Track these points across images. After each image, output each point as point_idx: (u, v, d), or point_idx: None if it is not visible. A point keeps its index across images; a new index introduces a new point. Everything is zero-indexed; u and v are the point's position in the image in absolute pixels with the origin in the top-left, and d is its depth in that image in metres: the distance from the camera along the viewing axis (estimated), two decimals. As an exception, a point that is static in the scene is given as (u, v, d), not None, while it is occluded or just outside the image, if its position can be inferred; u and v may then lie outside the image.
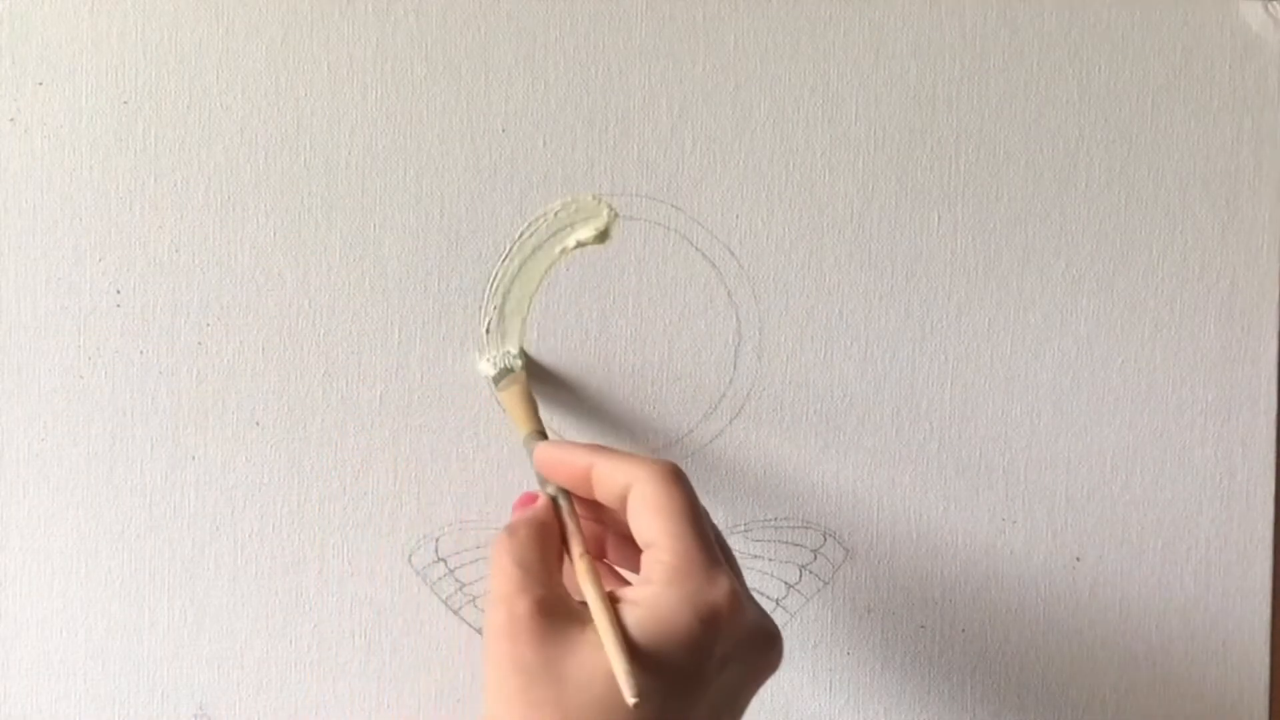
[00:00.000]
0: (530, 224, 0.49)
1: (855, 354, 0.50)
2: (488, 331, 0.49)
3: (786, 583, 0.51)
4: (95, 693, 0.49)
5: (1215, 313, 0.52)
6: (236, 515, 0.49)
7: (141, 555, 0.49)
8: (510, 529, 0.40)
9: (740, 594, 0.38)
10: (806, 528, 0.50)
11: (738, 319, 0.50)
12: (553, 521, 0.41)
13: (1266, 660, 0.52)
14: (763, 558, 0.50)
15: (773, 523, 0.50)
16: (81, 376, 0.48)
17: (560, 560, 0.40)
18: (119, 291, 0.48)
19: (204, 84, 0.48)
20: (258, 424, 0.49)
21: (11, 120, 0.48)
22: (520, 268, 0.49)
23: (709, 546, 0.38)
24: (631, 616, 0.36)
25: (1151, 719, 0.52)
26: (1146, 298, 0.51)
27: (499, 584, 0.38)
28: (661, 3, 0.49)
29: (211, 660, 0.49)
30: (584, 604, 0.38)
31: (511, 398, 0.47)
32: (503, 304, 0.50)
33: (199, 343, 0.49)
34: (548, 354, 0.50)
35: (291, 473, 0.49)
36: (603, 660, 0.35)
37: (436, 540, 0.50)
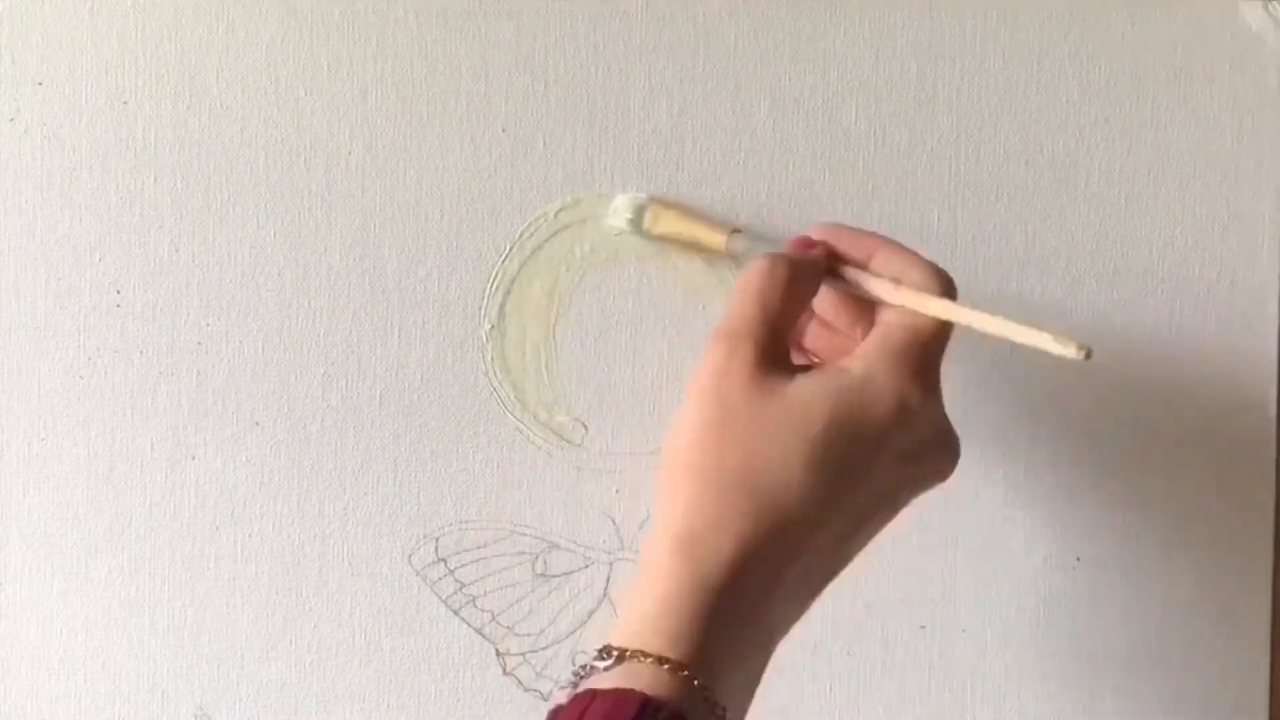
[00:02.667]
0: (530, 224, 0.49)
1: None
2: (489, 331, 0.49)
3: None
4: (95, 693, 0.49)
5: (1215, 313, 0.51)
6: (236, 515, 0.49)
7: (141, 555, 0.49)
8: (770, 264, 0.40)
9: (938, 399, 0.39)
10: None
11: None
12: (818, 271, 0.41)
13: (1266, 660, 0.52)
14: None
15: None
16: (81, 376, 0.48)
17: (801, 312, 0.41)
18: (119, 291, 0.48)
19: (204, 84, 0.48)
20: (258, 424, 0.49)
21: (11, 120, 0.48)
22: (520, 268, 0.49)
23: (934, 355, 0.39)
24: (839, 383, 0.37)
25: (1152, 718, 0.52)
26: (1146, 298, 0.51)
27: (734, 318, 0.38)
28: (661, 3, 0.49)
29: (211, 660, 0.49)
30: (802, 366, 0.39)
31: (679, 222, 0.47)
32: (503, 303, 0.50)
33: (199, 343, 0.49)
34: (560, 337, 0.50)
35: (291, 473, 0.49)
36: (796, 419, 0.37)
37: (436, 540, 0.50)
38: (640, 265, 0.50)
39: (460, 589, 0.50)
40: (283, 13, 0.48)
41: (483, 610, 0.50)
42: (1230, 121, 0.51)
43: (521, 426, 0.50)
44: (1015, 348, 0.50)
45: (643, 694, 0.33)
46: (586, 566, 0.50)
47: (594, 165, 0.49)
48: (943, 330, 0.39)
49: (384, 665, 0.49)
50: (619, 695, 0.33)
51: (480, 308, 0.49)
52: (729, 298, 0.40)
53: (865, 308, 0.41)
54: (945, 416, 0.40)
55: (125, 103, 0.48)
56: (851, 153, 0.50)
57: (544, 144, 0.49)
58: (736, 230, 0.46)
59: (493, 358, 0.49)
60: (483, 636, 0.50)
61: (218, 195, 0.48)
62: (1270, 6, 0.51)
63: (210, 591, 0.49)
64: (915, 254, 0.41)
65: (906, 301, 0.39)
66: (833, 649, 0.51)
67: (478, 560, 0.50)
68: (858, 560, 0.48)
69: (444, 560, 0.49)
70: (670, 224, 0.47)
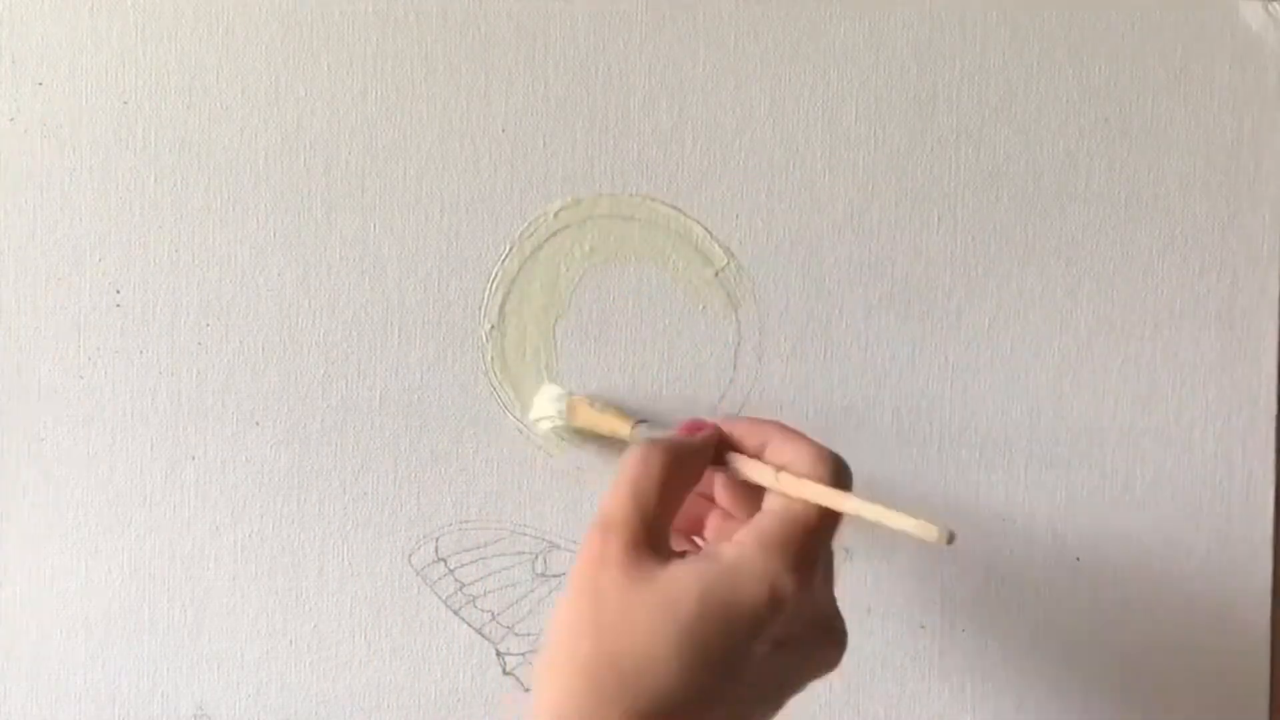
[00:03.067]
0: (530, 224, 0.49)
1: (855, 355, 0.50)
2: (489, 332, 0.49)
3: None
4: (95, 693, 0.49)
5: (1215, 313, 0.52)
6: (236, 515, 0.49)
7: (141, 555, 0.49)
8: (645, 452, 0.39)
9: (817, 587, 0.39)
10: None
11: (737, 320, 0.50)
12: (699, 458, 0.41)
13: (1266, 660, 0.52)
14: None
15: None
16: (81, 376, 0.48)
17: (681, 498, 0.40)
18: (119, 291, 0.48)
19: (204, 84, 0.48)
20: (258, 424, 0.49)
21: (11, 120, 0.48)
22: (520, 268, 0.49)
23: (814, 543, 0.38)
24: (710, 569, 0.37)
25: (1152, 718, 0.52)
26: (1146, 298, 0.51)
27: (608, 507, 0.38)
28: (661, 3, 0.49)
29: (211, 660, 0.49)
30: (681, 552, 0.38)
31: (591, 416, 0.47)
32: (503, 303, 0.49)
33: (199, 343, 0.49)
34: (560, 336, 0.50)
35: (291, 473, 0.49)
36: (668, 603, 0.36)
37: (436, 540, 0.50)
38: (640, 265, 0.50)
39: (460, 589, 0.49)
40: (283, 13, 0.48)
41: (483, 610, 0.50)
42: (1230, 121, 0.51)
43: (521, 427, 0.50)
44: (1015, 347, 0.51)
45: None
46: None
47: (594, 165, 0.49)
48: (824, 518, 0.38)
49: (384, 665, 0.49)
50: None
51: (480, 307, 0.49)
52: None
53: (758, 496, 0.40)
54: (829, 603, 0.40)
55: (125, 103, 0.48)
56: (851, 153, 0.50)
57: (544, 144, 0.49)
58: (642, 421, 0.46)
59: (493, 358, 0.49)
60: (483, 636, 0.50)
61: (218, 195, 0.48)
62: (1270, 6, 0.51)
63: (210, 591, 0.49)
64: (807, 441, 0.40)
65: (785, 488, 0.39)
66: None
67: (478, 560, 0.50)
68: (858, 560, 0.48)
69: (444, 560, 0.49)
70: (584, 417, 0.47)
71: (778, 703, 0.39)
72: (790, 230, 0.50)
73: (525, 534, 0.50)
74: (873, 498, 0.38)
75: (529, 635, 0.50)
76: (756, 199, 0.50)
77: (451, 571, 0.49)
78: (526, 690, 0.50)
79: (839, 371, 0.50)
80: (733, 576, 0.37)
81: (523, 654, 0.50)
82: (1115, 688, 0.52)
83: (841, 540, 0.50)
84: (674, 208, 0.50)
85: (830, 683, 0.50)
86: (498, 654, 0.50)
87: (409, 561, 0.49)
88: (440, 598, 0.50)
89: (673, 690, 0.35)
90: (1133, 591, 0.52)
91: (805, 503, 0.38)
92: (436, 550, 0.49)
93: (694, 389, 0.50)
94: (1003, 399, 0.51)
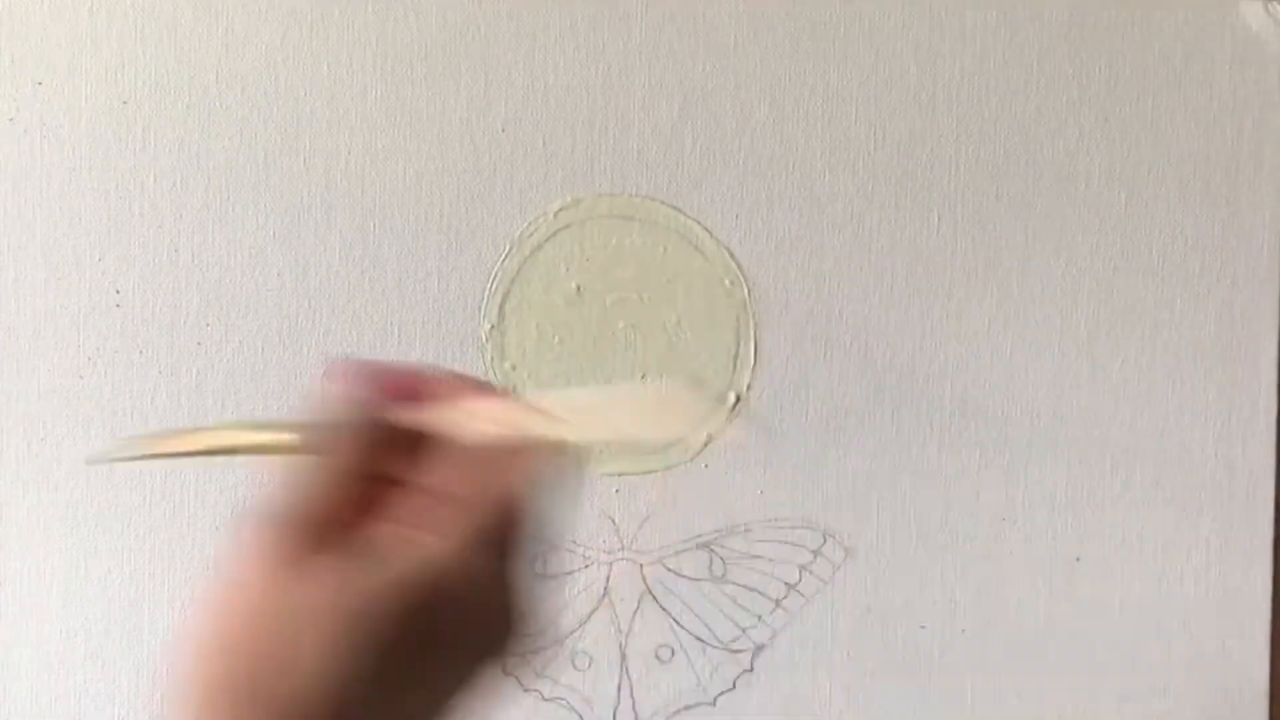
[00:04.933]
0: (530, 224, 0.49)
1: (855, 354, 0.50)
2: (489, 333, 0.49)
3: (787, 583, 0.51)
4: (95, 693, 0.49)
5: (1215, 313, 0.51)
6: (236, 515, 0.49)
7: (141, 555, 0.49)
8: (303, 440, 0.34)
9: (501, 575, 0.35)
10: (807, 528, 0.50)
11: (737, 319, 0.50)
12: (360, 447, 0.35)
13: (1266, 660, 0.52)
14: (763, 558, 0.50)
15: (773, 523, 0.50)
16: (81, 376, 0.48)
17: (347, 482, 0.35)
18: (119, 291, 0.48)
19: (204, 84, 0.48)
20: (258, 424, 0.49)
21: (11, 120, 0.48)
22: (520, 268, 0.49)
23: (483, 518, 0.34)
24: (372, 557, 0.32)
25: (1152, 718, 0.52)
26: (1146, 298, 0.51)
27: (267, 501, 0.33)
28: (661, 3, 0.49)
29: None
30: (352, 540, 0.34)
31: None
32: (503, 304, 0.49)
33: (199, 343, 0.49)
34: (547, 354, 0.50)
35: (291, 473, 0.49)
36: (327, 594, 0.31)
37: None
38: (640, 266, 0.50)
39: None
40: (283, 13, 0.48)
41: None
42: (1230, 121, 0.51)
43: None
44: (1015, 347, 0.50)
45: None
46: (586, 566, 0.50)
47: (594, 165, 0.49)
48: (506, 494, 0.35)
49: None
50: None
51: (480, 307, 0.49)
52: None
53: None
54: (512, 581, 0.36)
55: (125, 103, 0.48)
56: (851, 153, 0.50)
57: (544, 144, 0.49)
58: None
59: (493, 358, 0.49)
60: None
61: (218, 195, 0.48)
62: (1270, 6, 0.51)
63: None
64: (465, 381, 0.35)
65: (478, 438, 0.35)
66: (833, 649, 0.51)
67: None
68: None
69: None
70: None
71: (460, 683, 0.34)
72: (790, 230, 0.50)
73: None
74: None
75: (528, 636, 0.50)
76: (757, 199, 0.50)
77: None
78: (526, 691, 0.50)
79: (839, 371, 0.50)
80: (378, 563, 0.32)
81: (522, 654, 0.49)
82: (1115, 687, 0.52)
83: (843, 540, 0.51)
84: (674, 208, 0.50)
85: (831, 683, 0.50)
86: (498, 654, 0.50)
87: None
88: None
89: (329, 688, 0.31)
90: (1133, 592, 0.52)
91: (479, 467, 0.34)
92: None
93: (702, 364, 0.50)
94: (1003, 399, 0.51)
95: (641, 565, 0.50)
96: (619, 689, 0.50)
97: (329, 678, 0.31)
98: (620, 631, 0.50)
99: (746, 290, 0.50)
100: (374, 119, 0.49)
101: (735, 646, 0.51)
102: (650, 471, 0.49)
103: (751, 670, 0.51)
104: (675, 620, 0.50)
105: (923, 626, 0.51)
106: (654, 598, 0.50)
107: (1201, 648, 0.52)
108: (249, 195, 0.48)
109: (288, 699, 0.31)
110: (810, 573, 0.51)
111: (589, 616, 0.50)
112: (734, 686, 0.51)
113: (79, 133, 0.48)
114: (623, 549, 0.50)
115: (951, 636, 0.51)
